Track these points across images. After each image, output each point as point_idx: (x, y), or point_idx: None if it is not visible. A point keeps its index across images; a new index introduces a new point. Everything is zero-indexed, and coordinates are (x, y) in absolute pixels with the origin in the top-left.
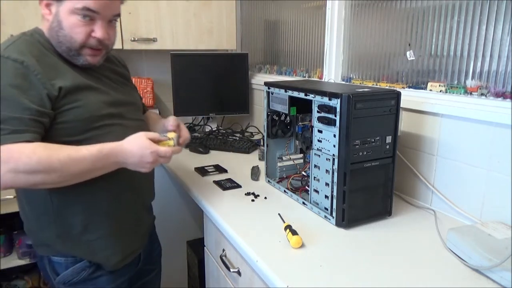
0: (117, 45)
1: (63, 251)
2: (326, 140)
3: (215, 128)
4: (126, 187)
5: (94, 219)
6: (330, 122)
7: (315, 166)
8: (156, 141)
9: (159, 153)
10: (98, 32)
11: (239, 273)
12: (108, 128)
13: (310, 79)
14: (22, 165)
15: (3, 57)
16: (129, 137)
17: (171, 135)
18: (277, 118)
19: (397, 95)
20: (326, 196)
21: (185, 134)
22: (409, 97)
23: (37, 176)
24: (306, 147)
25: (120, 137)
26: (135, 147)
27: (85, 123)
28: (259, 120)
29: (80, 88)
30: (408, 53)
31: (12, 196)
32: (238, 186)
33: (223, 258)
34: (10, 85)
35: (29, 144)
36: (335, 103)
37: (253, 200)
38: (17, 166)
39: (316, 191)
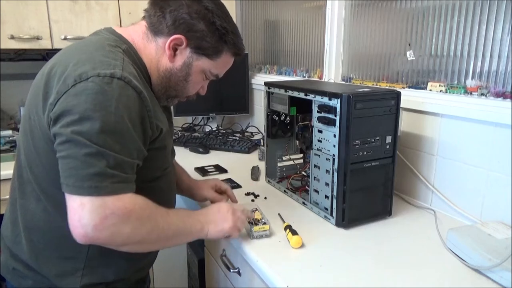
0: None
1: None
2: (326, 140)
3: (215, 128)
4: None
5: (129, 267)
6: (330, 122)
7: (315, 166)
8: None
9: (233, 206)
10: (205, 90)
11: (239, 273)
12: (166, 177)
13: (310, 79)
14: (134, 218)
15: (123, 79)
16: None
17: (266, 227)
18: (277, 118)
19: (397, 95)
20: (326, 196)
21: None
22: (409, 97)
23: (141, 230)
24: (306, 147)
25: (171, 186)
26: (212, 206)
27: (155, 170)
28: (259, 120)
29: (168, 130)
30: (408, 53)
31: None
32: (238, 186)
33: (223, 258)
34: (129, 118)
35: (138, 195)
36: (335, 103)
37: (253, 200)
38: (129, 218)
39: (316, 191)
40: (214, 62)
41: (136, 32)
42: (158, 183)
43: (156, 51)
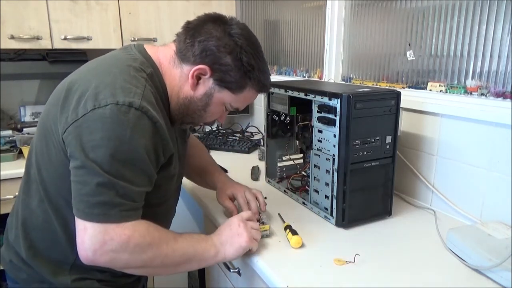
0: (117, 45)
1: None
2: (326, 140)
3: (215, 128)
4: None
5: (114, 280)
6: (330, 122)
7: (315, 166)
8: None
9: (243, 217)
10: (224, 119)
11: (239, 273)
12: (164, 206)
13: (310, 79)
14: (133, 245)
15: (141, 109)
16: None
17: (266, 227)
18: (277, 118)
19: (397, 95)
20: (326, 196)
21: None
22: (409, 97)
23: (142, 256)
24: (306, 147)
25: (167, 217)
26: (224, 226)
27: (156, 198)
28: (259, 120)
29: (174, 156)
30: (408, 53)
31: (12, 196)
32: None
33: None
34: (143, 147)
35: (142, 222)
36: (335, 103)
37: None
38: (128, 245)
39: (316, 191)
40: (236, 96)
41: (165, 55)
42: (155, 209)
43: (179, 77)
